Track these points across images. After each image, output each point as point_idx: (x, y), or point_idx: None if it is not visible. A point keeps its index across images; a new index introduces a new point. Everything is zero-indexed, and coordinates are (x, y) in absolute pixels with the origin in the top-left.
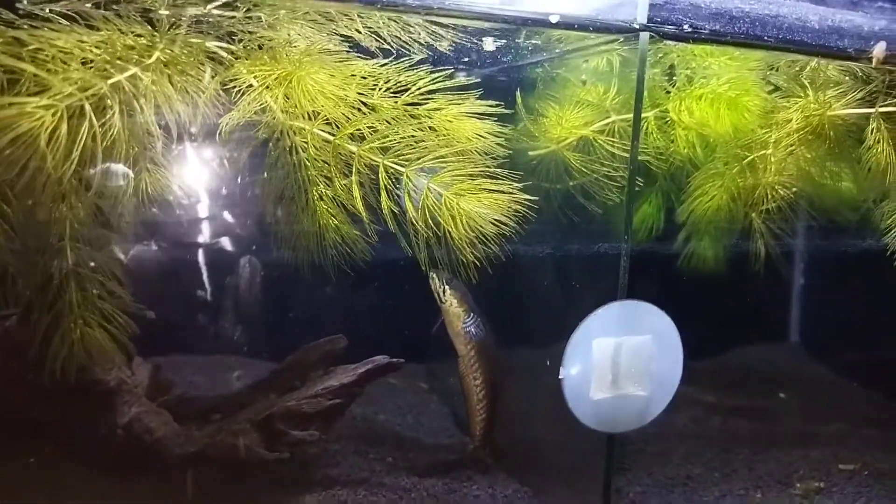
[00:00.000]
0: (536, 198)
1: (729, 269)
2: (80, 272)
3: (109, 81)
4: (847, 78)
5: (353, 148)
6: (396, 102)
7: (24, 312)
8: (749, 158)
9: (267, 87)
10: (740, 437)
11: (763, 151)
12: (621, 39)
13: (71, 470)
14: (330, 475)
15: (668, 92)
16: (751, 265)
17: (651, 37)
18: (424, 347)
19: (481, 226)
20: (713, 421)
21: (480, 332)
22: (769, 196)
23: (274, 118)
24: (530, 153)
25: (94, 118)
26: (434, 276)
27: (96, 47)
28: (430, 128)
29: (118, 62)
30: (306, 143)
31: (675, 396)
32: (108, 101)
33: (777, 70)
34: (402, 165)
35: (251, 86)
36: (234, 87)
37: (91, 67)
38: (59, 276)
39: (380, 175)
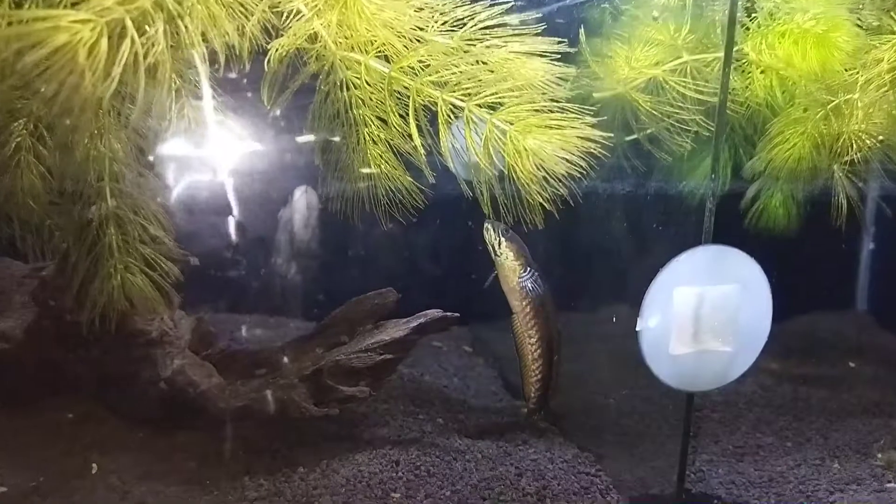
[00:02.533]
0: (611, 134)
1: (801, 229)
2: (119, 215)
3: None
4: None
5: (410, 82)
6: (454, 37)
7: (61, 261)
8: (834, 103)
9: (318, 11)
10: (812, 405)
11: (849, 95)
12: None
13: (111, 424)
14: (380, 434)
15: (748, 28)
16: (826, 225)
17: None
18: (468, 306)
19: (549, 164)
20: (783, 388)
21: (537, 288)
22: (854, 146)
23: (325, 48)
24: (595, 95)
25: (136, 35)
26: (489, 227)
27: None
28: (483, 62)
29: None
30: (359, 78)
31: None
32: (151, 19)
33: (863, 6)
34: (462, 100)
35: (300, 12)
36: (283, 10)
37: None
38: (97, 220)
39: (439, 111)
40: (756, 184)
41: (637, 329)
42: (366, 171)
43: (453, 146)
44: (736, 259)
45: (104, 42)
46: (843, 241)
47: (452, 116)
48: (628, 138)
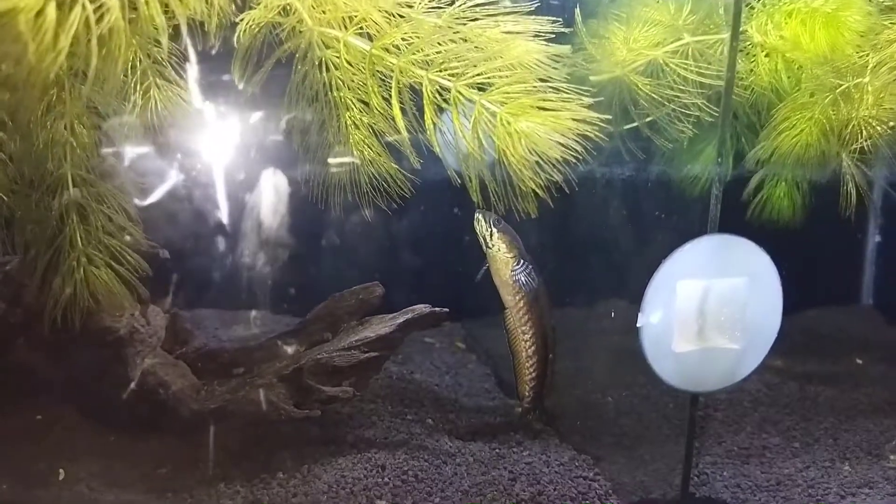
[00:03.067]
0: (609, 116)
1: (806, 220)
2: (82, 204)
3: None
4: None
5: (394, 60)
6: (442, 15)
7: (26, 254)
8: (843, 87)
9: None
10: (820, 404)
11: (859, 79)
12: None
13: (81, 428)
14: (365, 436)
15: (752, 7)
16: (833, 216)
17: None
18: (461, 301)
19: (542, 148)
20: (788, 386)
21: (531, 281)
22: (864, 132)
23: (300, 22)
24: (591, 78)
25: (87, 2)
26: (480, 217)
27: None
28: (472, 42)
29: None
30: (338, 57)
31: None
32: None
33: None
34: (449, 80)
35: None
36: None
37: None
38: (58, 209)
39: (424, 92)
40: (759, 173)
41: (638, 325)
42: (347, 159)
43: (442, 136)
44: (744, 249)
45: (51, 8)
46: (851, 233)
47: (439, 98)
48: (627, 126)
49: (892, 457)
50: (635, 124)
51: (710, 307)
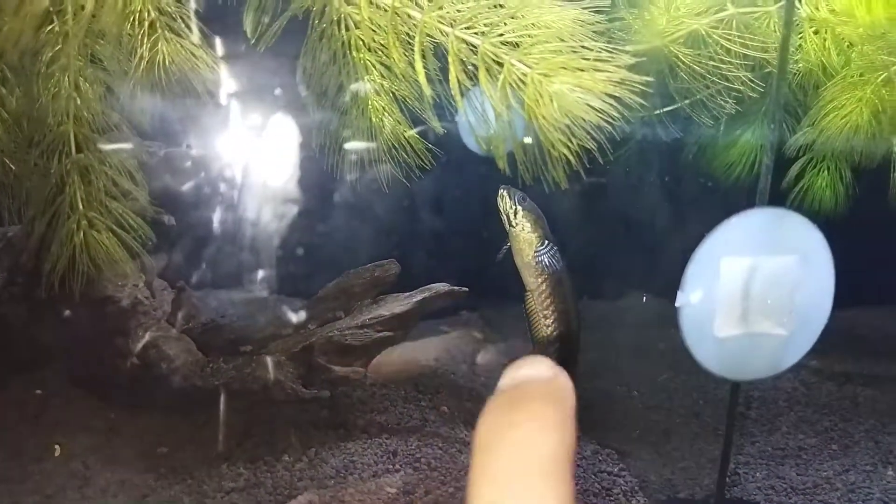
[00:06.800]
0: (651, 79)
1: (850, 213)
2: (84, 164)
3: None
4: None
5: (418, 15)
6: None
7: (30, 220)
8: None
9: None
10: (861, 405)
11: None
12: None
13: (80, 402)
14: (377, 421)
15: None
16: (879, 209)
17: None
18: (479, 290)
19: (576, 113)
20: (826, 386)
21: (555, 263)
22: None
23: None
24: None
25: None
26: (504, 193)
27: None
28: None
29: None
30: (359, 14)
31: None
32: None
33: None
34: (477, 38)
35: None
36: None
37: None
38: (60, 170)
39: (450, 49)
40: (801, 160)
41: (676, 305)
42: (366, 125)
43: (469, 102)
44: (796, 225)
45: None
46: None
47: (466, 61)
48: (666, 109)
49: None
50: (677, 105)
51: (756, 288)
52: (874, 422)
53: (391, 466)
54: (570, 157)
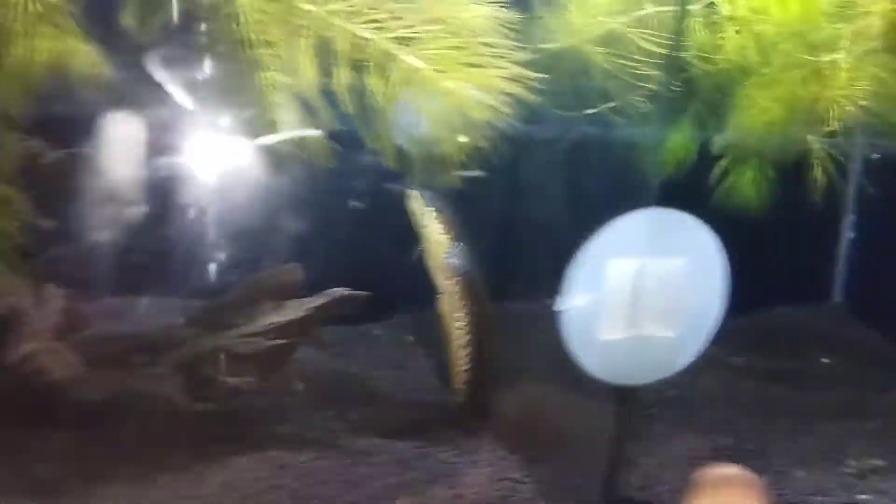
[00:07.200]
0: (546, 76)
1: (773, 210)
2: None
3: None
4: None
5: (310, 6)
6: None
7: None
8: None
9: None
10: (778, 405)
11: (831, 55)
12: None
13: None
14: (274, 434)
15: None
16: (801, 205)
17: None
18: (411, 291)
19: (469, 111)
20: (744, 385)
21: (467, 264)
22: (833, 115)
23: None
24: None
25: None
26: (415, 194)
27: None
28: None
29: None
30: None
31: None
32: None
33: None
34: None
35: None
36: None
37: None
38: None
39: (337, 44)
40: (725, 159)
41: (558, 308)
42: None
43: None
44: (684, 225)
45: None
46: (822, 224)
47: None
48: (588, 111)
49: (851, 462)
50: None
51: (642, 290)
52: (790, 421)
53: (278, 482)
54: (459, 155)
